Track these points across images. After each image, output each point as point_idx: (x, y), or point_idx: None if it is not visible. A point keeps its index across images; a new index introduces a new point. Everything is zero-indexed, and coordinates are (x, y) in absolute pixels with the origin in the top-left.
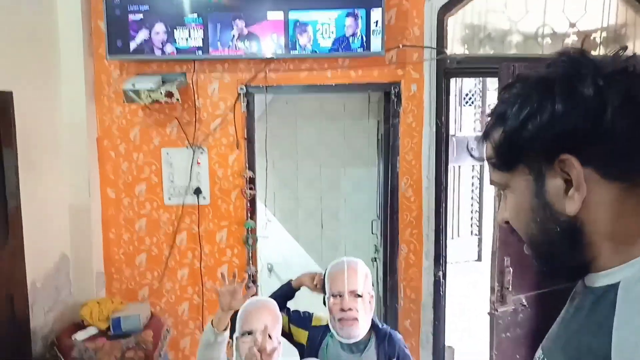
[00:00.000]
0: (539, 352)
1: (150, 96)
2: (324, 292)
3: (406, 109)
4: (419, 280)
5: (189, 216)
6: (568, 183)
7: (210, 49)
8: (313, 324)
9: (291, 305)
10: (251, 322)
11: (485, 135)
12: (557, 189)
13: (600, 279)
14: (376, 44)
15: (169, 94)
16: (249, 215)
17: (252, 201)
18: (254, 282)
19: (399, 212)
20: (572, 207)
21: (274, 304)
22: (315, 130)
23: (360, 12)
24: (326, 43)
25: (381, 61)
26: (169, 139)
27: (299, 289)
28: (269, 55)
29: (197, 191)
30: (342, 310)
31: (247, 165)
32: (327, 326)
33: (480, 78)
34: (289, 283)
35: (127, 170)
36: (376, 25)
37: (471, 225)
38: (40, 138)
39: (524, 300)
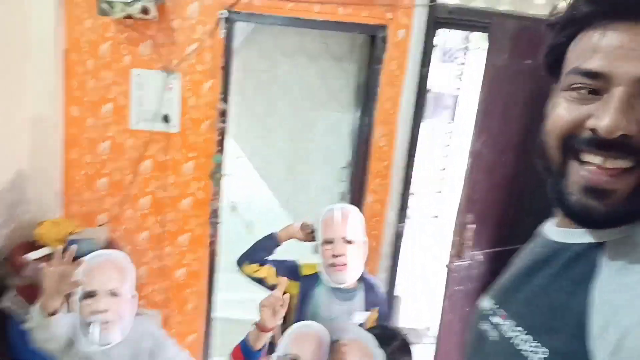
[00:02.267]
0: (488, 303)
1: (124, 10)
2: (314, 240)
3: (391, 55)
4: (380, 229)
5: (156, 143)
6: None
7: None
8: (304, 273)
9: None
10: (93, 282)
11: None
12: None
13: (580, 236)
14: None
15: (145, 10)
16: (218, 149)
17: (223, 135)
18: (217, 217)
19: (370, 160)
20: None
21: (120, 256)
22: (293, 68)
23: None
24: None
25: (371, 1)
26: (140, 60)
27: (283, 242)
28: None
29: (166, 118)
30: (334, 255)
31: (221, 96)
32: (317, 275)
33: (465, 35)
34: (271, 236)
35: (94, 88)
36: None
37: (434, 182)
38: (6, 45)
39: (480, 256)
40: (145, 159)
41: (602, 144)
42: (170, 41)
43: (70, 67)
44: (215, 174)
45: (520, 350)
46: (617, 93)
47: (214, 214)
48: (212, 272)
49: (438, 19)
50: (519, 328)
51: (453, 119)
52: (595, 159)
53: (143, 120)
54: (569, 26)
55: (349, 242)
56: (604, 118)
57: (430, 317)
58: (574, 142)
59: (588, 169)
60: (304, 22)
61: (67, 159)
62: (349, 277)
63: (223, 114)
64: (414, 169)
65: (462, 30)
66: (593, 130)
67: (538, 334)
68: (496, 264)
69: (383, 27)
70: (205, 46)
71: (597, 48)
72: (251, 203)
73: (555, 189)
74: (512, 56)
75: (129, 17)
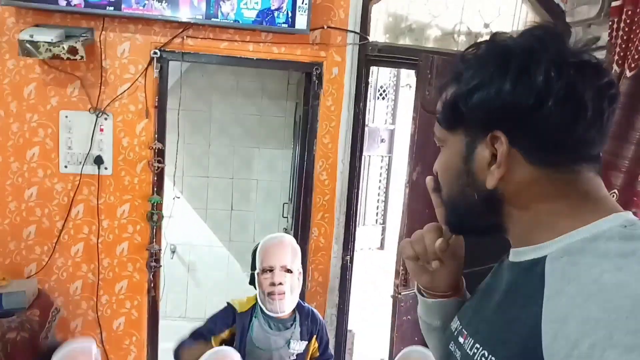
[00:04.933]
0: (455, 323)
1: (50, 50)
2: (252, 269)
3: (326, 91)
4: (327, 263)
5: (87, 187)
6: (494, 157)
7: (123, 6)
8: (240, 310)
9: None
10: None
11: (441, 89)
12: (483, 160)
13: (525, 254)
14: (302, 21)
15: (73, 50)
16: (155, 190)
17: (160, 175)
18: (157, 261)
19: (313, 194)
20: (490, 181)
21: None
22: (230, 108)
23: None
24: (250, 14)
25: (305, 40)
26: (69, 101)
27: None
28: (187, 20)
29: (98, 160)
30: (272, 284)
31: (156, 136)
32: (252, 308)
33: (394, 72)
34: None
35: (18, 131)
36: (303, 2)
37: (376, 214)
38: None
39: None
40: (76, 203)
41: None
42: (100, 81)
43: None
44: (153, 216)
45: None
46: None
47: (153, 257)
48: (154, 320)
49: (369, 57)
50: (477, 345)
51: (390, 152)
52: None
53: (73, 163)
54: None
55: (288, 270)
56: None
57: (383, 349)
58: None
59: None
60: (239, 60)
61: None
62: (287, 306)
63: (160, 154)
64: (357, 201)
65: (392, 67)
66: None
67: (493, 347)
68: None
69: (318, 65)
70: (138, 85)
71: None
72: (192, 244)
73: None
74: (437, 90)
75: (56, 57)
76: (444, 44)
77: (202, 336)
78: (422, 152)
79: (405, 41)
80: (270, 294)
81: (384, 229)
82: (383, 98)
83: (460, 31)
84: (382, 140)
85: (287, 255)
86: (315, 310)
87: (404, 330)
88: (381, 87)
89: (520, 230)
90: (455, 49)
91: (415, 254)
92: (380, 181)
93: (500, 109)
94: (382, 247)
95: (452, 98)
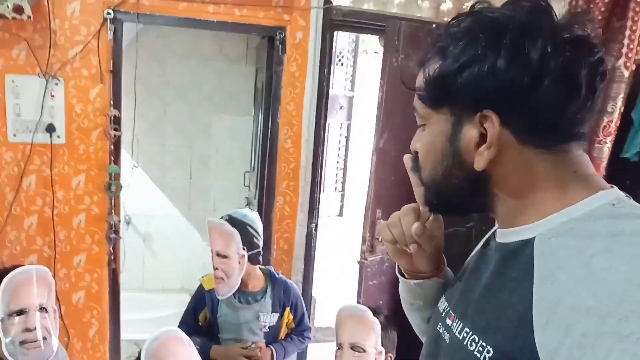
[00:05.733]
0: (442, 304)
1: None
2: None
3: (290, 57)
4: (292, 232)
5: (39, 157)
6: (482, 138)
7: None
8: (207, 288)
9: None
10: (21, 299)
11: (421, 63)
12: (471, 140)
13: (513, 235)
14: None
15: (18, 9)
16: (112, 159)
17: (117, 144)
18: (116, 233)
19: (277, 162)
20: (479, 163)
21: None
22: (187, 71)
23: None
24: None
25: (268, 2)
26: (15, 64)
27: None
28: None
29: (50, 128)
30: (215, 268)
31: (112, 102)
32: None
33: (353, 38)
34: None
35: None
36: None
37: (335, 181)
38: None
39: None
40: (28, 174)
41: None
42: (49, 43)
43: None
44: (111, 186)
45: (472, 351)
46: None
47: (112, 229)
48: (115, 293)
49: (334, 22)
50: (466, 329)
51: (349, 120)
52: None
53: (22, 131)
54: None
55: (224, 256)
56: None
57: None
58: None
59: None
60: (198, 22)
61: None
62: (223, 290)
63: (116, 121)
64: (322, 169)
65: (357, 32)
66: None
67: (484, 333)
68: None
69: (282, 29)
70: (91, 48)
71: None
72: (148, 215)
73: None
74: (406, 57)
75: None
76: (407, 10)
77: (191, 333)
78: (389, 119)
79: (369, 6)
80: (215, 277)
81: (342, 196)
82: (342, 64)
83: None
84: (340, 107)
85: (220, 241)
86: (289, 282)
87: (370, 295)
88: (340, 52)
89: (507, 211)
90: (419, 14)
91: (393, 237)
92: (339, 149)
93: (493, 88)
94: (340, 214)
95: (437, 75)
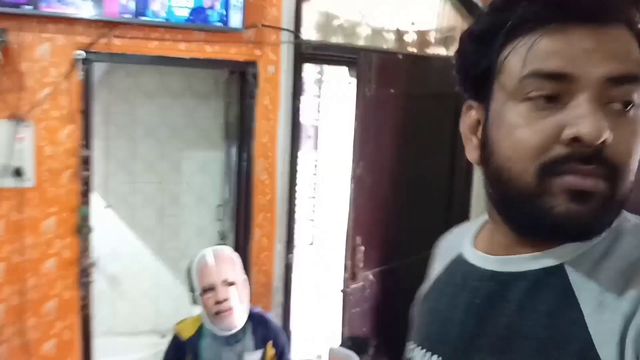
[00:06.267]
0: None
1: None
2: (192, 290)
3: (263, 90)
4: (270, 264)
5: (7, 202)
6: None
7: (41, 5)
8: (185, 336)
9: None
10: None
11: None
12: None
13: (535, 261)
14: (236, 19)
15: None
16: (83, 200)
17: (88, 184)
18: (88, 276)
19: (253, 195)
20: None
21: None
22: (156, 109)
23: None
24: (182, 12)
25: (239, 38)
26: None
27: None
28: (114, 19)
29: (18, 172)
30: (218, 302)
31: (83, 142)
32: (199, 329)
33: (319, 69)
34: None
35: None
36: (237, 0)
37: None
38: None
39: (371, 276)
40: None
41: (586, 155)
42: (18, 86)
43: None
44: (83, 228)
45: None
46: (586, 96)
47: (84, 272)
48: (87, 339)
49: (304, 55)
50: None
51: (316, 148)
52: (578, 169)
53: None
54: (506, 33)
55: (231, 284)
56: (584, 124)
57: (322, 345)
58: (551, 161)
59: (571, 178)
60: (170, 60)
61: None
62: (237, 320)
63: (86, 162)
64: (296, 199)
65: (325, 64)
66: (574, 139)
67: None
68: (385, 281)
69: (253, 64)
70: (61, 89)
71: (555, 50)
72: (117, 256)
73: (526, 213)
74: (378, 86)
75: None
76: (374, 42)
77: None
78: (365, 147)
79: (337, 39)
80: (217, 313)
81: (313, 225)
82: (307, 95)
83: (388, 29)
84: (308, 137)
85: (226, 268)
86: (267, 315)
87: (354, 323)
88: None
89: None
90: (385, 46)
91: None
92: (309, 178)
93: None
94: (312, 242)
95: None
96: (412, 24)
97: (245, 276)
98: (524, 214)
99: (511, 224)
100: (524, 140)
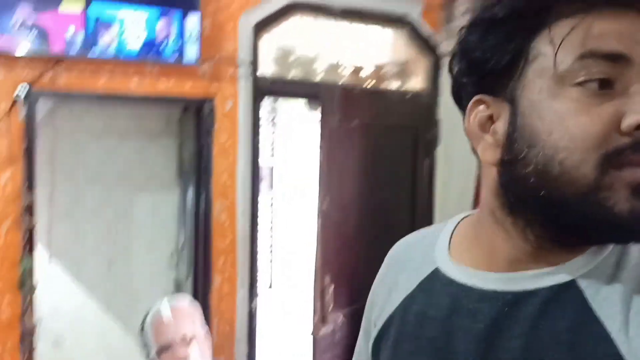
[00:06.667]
0: None
1: None
2: (147, 355)
3: (220, 127)
4: (233, 311)
5: None
6: None
7: None
8: None
9: None
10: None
11: None
12: None
13: (546, 278)
14: (191, 53)
15: None
16: (26, 252)
17: (31, 234)
18: (31, 337)
19: (211, 238)
20: None
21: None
22: (103, 150)
23: (175, 15)
24: (134, 45)
25: (194, 73)
26: None
27: None
28: (59, 53)
29: None
30: None
31: (26, 187)
32: None
33: (271, 107)
34: None
35: None
36: (192, 33)
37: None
38: None
39: (342, 317)
40: None
41: None
42: None
43: None
44: (25, 284)
45: None
46: None
47: (27, 335)
48: None
49: (262, 89)
50: None
51: (272, 188)
52: None
53: None
54: (544, 16)
55: (191, 339)
56: None
57: None
58: (614, 151)
59: (634, 171)
60: (120, 99)
61: None
62: None
63: (29, 208)
64: (258, 240)
65: (284, 97)
66: (638, 128)
67: None
68: (357, 321)
69: (210, 100)
70: (1, 130)
71: (611, 31)
72: (60, 314)
73: (580, 212)
74: (341, 119)
75: None
76: (330, 76)
77: None
78: (331, 181)
79: (295, 72)
80: None
81: (271, 268)
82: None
83: (344, 64)
84: (261, 179)
85: (185, 322)
86: None
87: None
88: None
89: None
90: (341, 81)
91: None
92: (267, 221)
93: None
94: (270, 286)
95: None
96: (368, 58)
97: (206, 328)
98: (577, 213)
99: (555, 227)
100: (582, 128)
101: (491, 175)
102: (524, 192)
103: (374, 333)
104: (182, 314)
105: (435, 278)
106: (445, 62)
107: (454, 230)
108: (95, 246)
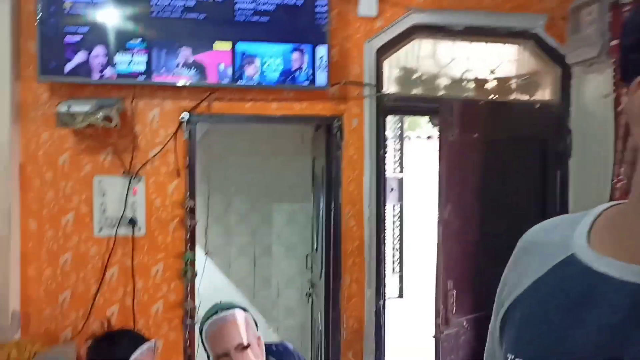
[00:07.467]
0: None
1: (87, 119)
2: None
3: (348, 142)
4: (361, 310)
5: (122, 249)
6: None
7: (154, 75)
8: None
9: None
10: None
11: None
12: None
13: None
14: (321, 78)
15: (108, 119)
16: (188, 246)
17: (192, 232)
18: (192, 318)
19: (341, 241)
20: None
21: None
22: (248, 167)
23: (307, 48)
24: (273, 75)
25: (324, 95)
26: (102, 167)
27: None
28: (214, 84)
29: (132, 222)
30: None
31: (188, 194)
32: None
33: (399, 123)
34: None
35: (53, 199)
36: (321, 61)
37: (392, 262)
38: None
39: (465, 323)
40: (111, 266)
41: None
42: (132, 146)
43: (26, 180)
44: (187, 273)
45: None
46: None
47: (188, 315)
48: None
49: (385, 107)
50: None
51: (401, 200)
52: None
53: (107, 226)
54: None
55: (246, 347)
56: None
57: None
58: None
59: None
60: (263, 118)
61: (24, 275)
62: None
63: (191, 211)
64: (384, 246)
65: (406, 115)
66: None
67: None
68: (481, 330)
69: (339, 118)
70: (169, 148)
71: None
72: (215, 301)
73: None
74: (461, 131)
75: (89, 126)
76: (453, 91)
77: None
78: (451, 191)
79: (417, 91)
80: None
81: (401, 278)
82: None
83: (467, 78)
84: (391, 190)
85: (238, 332)
86: (286, 345)
87: None
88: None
89: None
90: (464, 94)
91: None
92: (393, 230)
93: None
94: (401, 295)
95: None
96: (491, 72)
97: (257, 333)
98: None
99: None
100: None
101: None
102: None
103: (501, 312)
104: (235, 325)
105: (570, 264)
106: (575, 73)
107: (595, 219)
108: (242, 247)
